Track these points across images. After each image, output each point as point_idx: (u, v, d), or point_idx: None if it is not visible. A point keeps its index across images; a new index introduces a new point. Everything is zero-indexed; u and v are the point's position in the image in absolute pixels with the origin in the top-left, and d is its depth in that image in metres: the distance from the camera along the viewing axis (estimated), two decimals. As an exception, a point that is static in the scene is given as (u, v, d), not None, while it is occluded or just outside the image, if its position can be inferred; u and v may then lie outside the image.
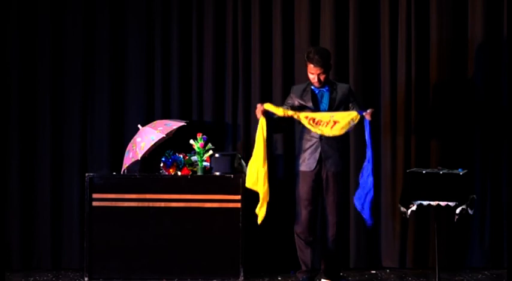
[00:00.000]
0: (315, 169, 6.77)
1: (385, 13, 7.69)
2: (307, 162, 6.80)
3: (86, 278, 7.13)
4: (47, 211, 7.61)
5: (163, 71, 7.72)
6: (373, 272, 7.51)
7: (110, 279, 7.13)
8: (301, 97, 6.83)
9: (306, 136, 6.83)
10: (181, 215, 7.13)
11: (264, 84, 7.72)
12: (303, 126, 6.77)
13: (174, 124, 7.36)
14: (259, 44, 7.70)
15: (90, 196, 7.13)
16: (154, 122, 7.45)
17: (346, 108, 6.81)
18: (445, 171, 6.53)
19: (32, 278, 7.29)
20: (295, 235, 6.92)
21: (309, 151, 6.81)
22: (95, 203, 7.15)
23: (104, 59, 7.68)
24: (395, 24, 7.69)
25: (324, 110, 6.75)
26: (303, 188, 6.83)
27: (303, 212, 6.84)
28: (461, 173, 6.49)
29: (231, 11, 7.73)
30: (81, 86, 7.68)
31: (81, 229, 7.45)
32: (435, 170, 6.58)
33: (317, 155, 6.78)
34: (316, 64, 6.69)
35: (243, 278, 7.11)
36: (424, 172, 6.55)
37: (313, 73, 6.73)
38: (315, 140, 6.77)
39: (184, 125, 7.38)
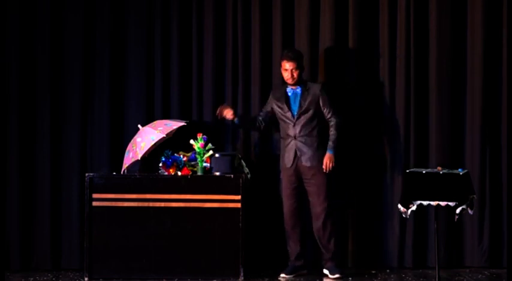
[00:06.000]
0: (292, 165, 7.22)
1: (384, 13, 7.68)
2: (285, 159, 7.26)
3: (86, 278, 7.12)
4: (46, 211, 7.60)
5: (163, 71, 7.72)
6: (373, 272, 7.51)
7: (110, 279, 7.13)
8: (277, 99, 7.33)
9: (283, 135, 7.30)
10: (181, 215, 7.13)
11: (264, 84, 7.72)
12: (281, 127, 7.28)
13: (174, 124, 7.36)
14: (259, 44, 7.70)
15: (90, 196, 7.13)
16: (154, 122, 7.45)
17: (318, 109, 7.24)
18: (445, 171, 6.53)
19: (32, 279, 7.28)
20: (286, 231, 7.37)
21: (286, 149, 7.26)
22: (95, 203, 7.14)
23: (104, 59, 7.68)
24: (394, 24, 7.69)
25: (295, 112, 7.22)
26: (284, 183, 7.33)
27: (285, 204, 7.31)
28: (461, 173, 6.48)
29: (231, 11, 7.73)
30: (81, 86, 7.67)
31: (81, 229, 7.44)
32: (435, 170, 6.58)
33: (292, 152, 7.22)
34: (288, 59, 7.19)
35: (243, 278, 7.11)
36: (424, 172, 6.55)
37: (287, 69, 7.22)
38: (290, 138, 7.23)
39: (184, 125, 7.38)
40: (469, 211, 6.52)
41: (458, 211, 6.46)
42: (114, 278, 7.13)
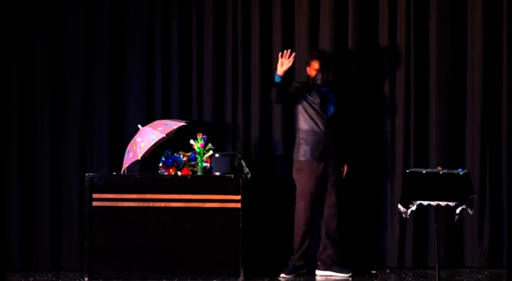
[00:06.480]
0: (318, 161, 7.16)
1: (384, 13, 7.69)
2: (312, 152, 7.19)
3: (86, 278, 7.13)
4: (46, 211, 7.60)
5: (163, 71, 7.72)
6: (373, 272, 7.51)
7: (110, 279, 7.13)
8: (307, 91, 7.23)
9: (307, 128, 7.22)
10: (181, 215, 7.13)
11: (264, 84, 7.72)
12: (305, 119, 7.18)
13: (174, 124, 7.37)
14: (259, 44, 7.70)
15: (90, 196, 7.13)
16: (154, 122, 7.45)
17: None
18: (445, 171, 6.53)
19: (32, 279, 7.28)
20: (296, 224, 7.26)
21: (312, 142, 7.18)
22: (95, 203, 7.14)
23: (104, 59, 7.68)
24: (394, 24, 7.70)
25: (330, 109, 7.23)
26: (309, 183, 7.20)
27: (306, 204, 7.21)
28: (461, 173, 6.48)
29: (231, 11, 7.73)
30: (81, 86, 7.67)
31: (81, 229, 7.44)
32: (435, 170, 6.58)
33: (321, 147, 7.18)
34: (319, 59, 7.22)
35: (243, 278, 7.11)
36: (424, 172, 6.55)
37: (317, 69, 7.21)
38: (320, 134, 7.18)
39: (184, 125, 7.38)
40: (469, 211, 6.52)
41: (458, 211, 6.46)
42: (114, 278, 7.13)
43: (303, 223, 7.25)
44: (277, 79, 7.14)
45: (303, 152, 7.23)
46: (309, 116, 7.23)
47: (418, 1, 7.67)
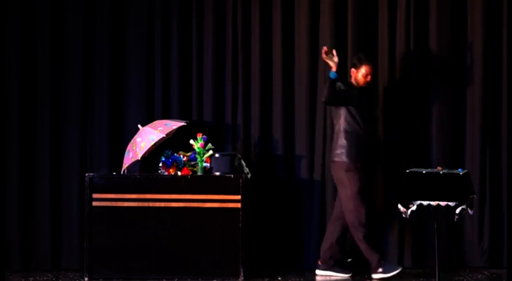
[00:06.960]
0: (361, 162, 7.17)
1: (384, 13, 7.69)
2: (355, 154, 7.16)
3: (86, 278, 7.13)
4: (46, 211, 7.60)
5: (163, 71, 7.72)
6: (373, 272, 7.51)
7: (110, 279, 7.13)
8: (352, 93, 7.20)
9: (350, 129, 7.16)
10: (181, 215, 7.13)
11: (264, 84, 7.72)
12: (346, 118, 7.14)
13: (174, 124, 7.37)
14: (259, 44, 7.71)
15: (90, 196, 7.13)
16: (154, 122, 7.45)
17: None
18: (445, 171, 6.53)
19: (32, 279, 7.28)
20: (364, 230, 7.17)
21: (355, 144, 7.16)
22: (95, 203, 7.14)
23: (104, 59, 7.68)
24: (394, 24, 7.70)
25: (376, 111, 7.36)
26: (355, 183, 7.15)
27: (357, 204, 7.15)
28: (461, 173, 6.48)
29: (231, 11, 7.74)
30: (81, 86, 7.68)
31: (81, 229, 7.45)
32: (435, 170, 6.58)
33: (363, 148, 7.19)
34: (372, 65, 7.28)
35: (243, 278, 7.11)
36: (424, 172, 6.54)
37: (370, 73, 7.23)
38: (361, 133, 7.17)
39: (184, 125, 7.38)
40: (469, 211, 6.51)
41: (458, 211, 6.46)
42: (114, 278, 7.13)
43: (364, 222, 7.16)
44: (332, 75, 7.09)
45: (347, 153, 7.16)
46: (353, 117, 7.18)
47: (418, 1, 7.68)
